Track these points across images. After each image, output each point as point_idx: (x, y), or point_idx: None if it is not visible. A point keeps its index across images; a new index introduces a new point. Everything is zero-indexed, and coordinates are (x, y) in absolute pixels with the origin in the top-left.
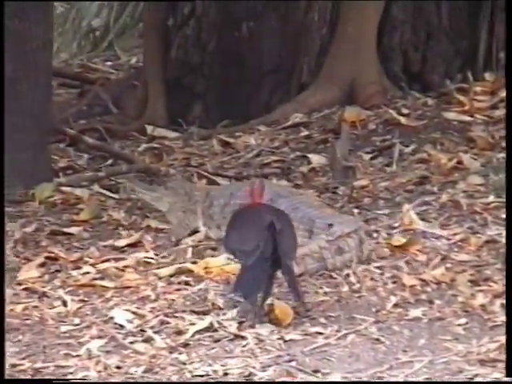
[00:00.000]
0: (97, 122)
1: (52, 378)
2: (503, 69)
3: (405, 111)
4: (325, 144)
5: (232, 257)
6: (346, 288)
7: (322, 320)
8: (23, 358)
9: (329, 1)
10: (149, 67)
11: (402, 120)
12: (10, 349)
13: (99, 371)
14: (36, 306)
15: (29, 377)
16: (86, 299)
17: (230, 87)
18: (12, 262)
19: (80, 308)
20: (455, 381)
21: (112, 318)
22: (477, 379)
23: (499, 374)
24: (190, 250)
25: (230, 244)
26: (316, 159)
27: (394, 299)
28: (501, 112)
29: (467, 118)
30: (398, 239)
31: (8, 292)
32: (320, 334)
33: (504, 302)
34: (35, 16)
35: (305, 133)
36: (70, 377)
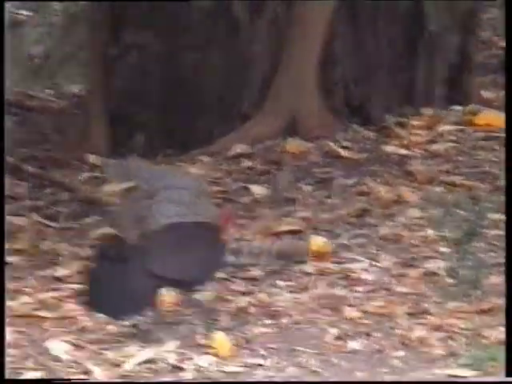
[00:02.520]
0: (37, 150)
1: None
2: (440, 104)
3: (345, 144)
4: (267, 175)
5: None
6: (286, 319)
7: (262, 352)
8: None
9: (272, 34)
10: (90, 96)
11: (343, 152)
12: None
13: None
14: None
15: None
16: (23, 330)
17: (172, 117)
18: None
19: (18, 339)
20: (455, 381)
21: (49, 349)
22: None
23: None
24: None
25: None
26: (258, 190)
27: (334, 331)
28: (438, 146)
29: (406, 152)
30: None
31: None
32: (260, 365)
33: (442, 335)
34: None
35: (247, 164)
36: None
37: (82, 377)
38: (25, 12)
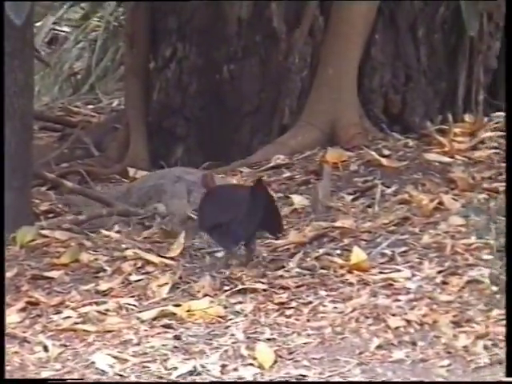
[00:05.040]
0: (78, 165)
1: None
2: (482, 110)
3: (386, 152)
4: (307, 185)
5: (208, 236)
6: (328, 329)
7: (305, 362)
8: None
9: (309, 41)
10: (130, 110)
11: (384, 161)
12: None
13: None
14: (16, 352)
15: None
16: (67, 344)
17: (211, 129)
18: None
19: (61, 353)
20: (455, 381)
21: (93, 362)
22: None
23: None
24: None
25: (205, 222)
26: (298, 200)
27: (377, 341)
28: (481, 153)
29: (447, 159)
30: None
31: None
32: (303, 376)
33: (487, 343)
34: (15, 61)
35: (287, 174)
36: None
37: None
38: (66, 29)
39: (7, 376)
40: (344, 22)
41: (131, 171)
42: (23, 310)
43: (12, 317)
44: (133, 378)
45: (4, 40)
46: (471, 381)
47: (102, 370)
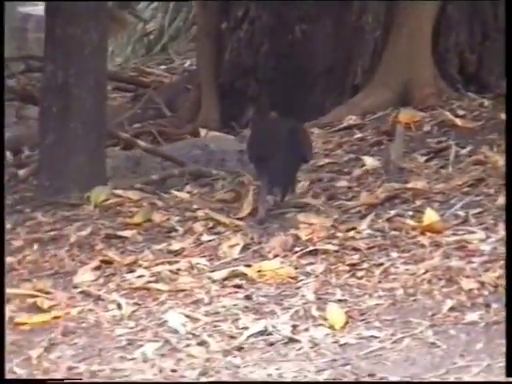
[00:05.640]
0: (150, 125)
1: (46, 378)
2: None
3: (460, 113)
4: (379, 146)
5: (253, 165)
6: (400, 291)
7: (377, 323)
8: (79, 361)
9: (383, 0)
10: (202, 70)
11: (458, 121)
12: (66, 352)
13: (154, 374)
14: (91, 309)
15: (86, 380)
16: (140, 302)
17: (283, 90)
18: (68, 265)
19: (134, 311)
20: (457, 381)
21: (166, 321)
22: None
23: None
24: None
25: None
26: (370, 161)
27: (450, 302)
28: None
29: None
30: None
31: (64, 295)
32: (375, 337)
33: None
34: (89, 22)
35: (358, 135)
36: (124, 380)
37: (198, 349)
38: None
39: (84, 328)
40: None
41: (202, 131)
42: (97, 268)
43: (86, 275)
44: (205, 337)
45: (4, 39)
46: (471, 381)
47: (175, 329)
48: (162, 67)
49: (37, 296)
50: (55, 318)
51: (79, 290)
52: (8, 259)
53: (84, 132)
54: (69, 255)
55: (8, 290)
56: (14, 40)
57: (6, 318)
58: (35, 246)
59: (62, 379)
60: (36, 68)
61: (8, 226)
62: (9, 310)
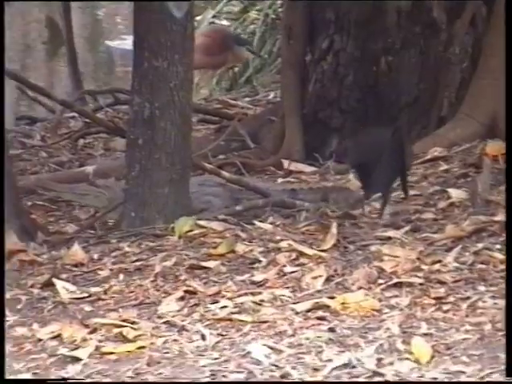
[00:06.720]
0: (234, 156)
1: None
2: None
3: None
4: (465, 178)
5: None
6: (488, 326)
7: (464, 358)
8: None
9: (470, 34)
10: (286, 102)
11: None
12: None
13: None
14: (176, 340)
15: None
16: (223, 333)
17: (367, 121)
18: (152, 296)
19: (218, 342)
20: (455, 381)
21: (249, 352)
22: None
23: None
24: None
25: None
26: (456, 194)
27: None
28: None
29: None
30: None
31: (149, 325)
32: (462, 372)
33: None
34: (174, 55)
35: (444, 167)
36: None
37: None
38: (225, 22)
39: (169, 358)
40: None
41: (286, 163)
42: (181, 298)
43: (171, 305)
44: (288, 369)
45: (4, 39)
46: (471, 381)
47: (258, 360)
48: (247, 99)
49: (123, 326)
50: (140, 347)
51: (164, 320)
52: (94, 289)
53: (169, 163)
54: (153, 285)
55: (95, 320)
56: (102, 73)
57: (93, 348)
58: (121, 276)
59: (63, 379)
60: (123, 101)
61: (95, 256)
62: (95, 339)
